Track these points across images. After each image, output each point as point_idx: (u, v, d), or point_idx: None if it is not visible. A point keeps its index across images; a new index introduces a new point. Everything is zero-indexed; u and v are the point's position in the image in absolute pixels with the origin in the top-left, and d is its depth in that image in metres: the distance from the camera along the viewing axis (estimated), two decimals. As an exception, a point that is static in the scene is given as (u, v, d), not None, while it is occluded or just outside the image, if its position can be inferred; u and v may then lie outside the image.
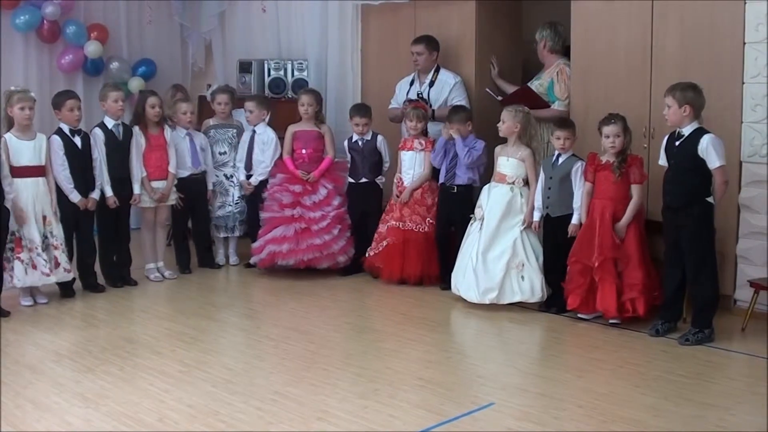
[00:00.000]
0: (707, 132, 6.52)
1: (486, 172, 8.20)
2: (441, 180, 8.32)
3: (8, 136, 7.53)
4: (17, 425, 5.15)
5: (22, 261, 7.54)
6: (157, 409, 5.39)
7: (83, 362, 6.29)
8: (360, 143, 8.81)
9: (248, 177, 9.15)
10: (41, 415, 5.31)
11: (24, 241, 7.54)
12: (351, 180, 8.90)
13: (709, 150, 6.44)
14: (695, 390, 5.71)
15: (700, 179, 6.57)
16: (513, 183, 7.67)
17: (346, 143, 8.93)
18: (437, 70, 9.05)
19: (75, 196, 7.94)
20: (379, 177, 8.90)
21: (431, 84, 9.00)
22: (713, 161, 6.47)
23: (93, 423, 5.18)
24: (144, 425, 5.14)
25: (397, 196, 8.54)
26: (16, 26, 10.29)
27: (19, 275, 7.55)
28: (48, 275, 7.66)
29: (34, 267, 7.58)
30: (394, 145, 8.93)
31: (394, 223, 8.46)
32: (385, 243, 8.50)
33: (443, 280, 8.18)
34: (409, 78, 9.23)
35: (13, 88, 7.79)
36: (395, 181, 8.63)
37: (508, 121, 7.69)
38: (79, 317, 7.56)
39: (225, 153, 9.27)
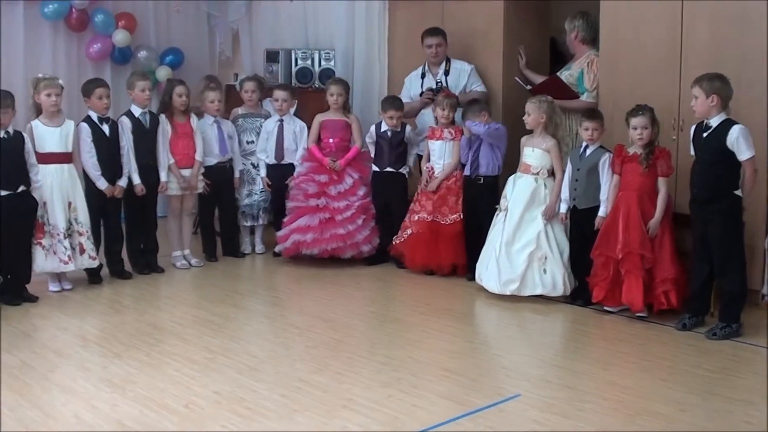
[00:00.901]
0: (735, 123, 6.48)
1: (509, 162, 8.17)
2: (466, 172, 8.31)
3: (35, 123, 7.57)
4: (44, 408, 5.19)
5: (43, 247, 7.58)
6: (183, 395, 5.41)
7: (110, 348, 6.32)
8: (389, 133, 8.80)
9: (278, 166, 9.18)
10: (68, 399, 5.34)
11: (47, 227, 7.57)
12: (375, 168, 8.91)
13: (739, 141, 6.40)
14: (722, 384, 5.68)
15: (727, 171, 6.52)
16: (537, 174, 7.64)
17: (373, 129, 8.91)
18: (448, 61, 9.07)
19: (102, 183, 7.98)
20: (403, 167, 8.89)
21: (446, 73, 9.01)
22: (743, 152, 6.42)
23: (119, 408, 5.21)
24: (170, 411, 5.17)
25: (426, 182, 8.54)
26: (45, 15, 10.35)
27: (39, 261, 7.60)
28: (66, 263, 7.67)
29: (54, 253, 7.61)
30: (419, 135, 8.96)
31: (425, 216, 8.43)
32: (409, 231, 8.50)
33: (470, 270, 8.15)
34: (419, 71, 9.23)
35: (40, 75, 7.82)
36: (425, 168, 8.61)
37: (533, 114, 7.66)
38: (106, 303, 7.60)
39: (253, 142, 9.29)
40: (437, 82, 9.02)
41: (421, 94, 9.08)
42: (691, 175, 6.75)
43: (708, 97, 6.47)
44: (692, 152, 6.78)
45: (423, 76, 9.20)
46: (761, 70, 7.07)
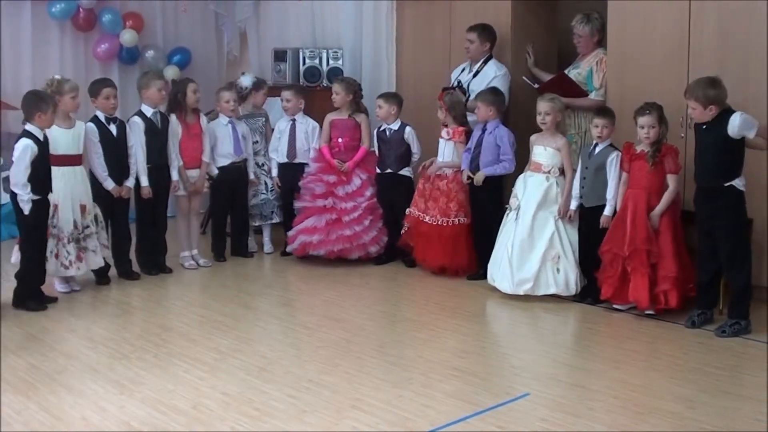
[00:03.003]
0: (733, 111, 6.46)
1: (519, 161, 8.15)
2: (463, 167, 8.25)
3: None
4: (52, 411, 5.20)
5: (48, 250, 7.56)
6: (192, 396, 5.42)
7: (118, 349, 6.33)
8: (387, 133, 8.78)
9: (290, 165, 9.12)
10: (76, 401, 5.36)
11: (53, 230, 7.53)
12: (377, 170, 8.87)
13: (742, 126, 6.39)
14: (731, 382, 5.68)
15: (729, 159, 6.51)
16: (548, 172, 7.62)
17: (375, 132, 8.89)
18: (486, 61, 8.92)
19: (109, 184, 7.97)
20: (406, 168, 8.82)
21: (476, 74, 8.90)
22: (750, 130, 6.42)
23: (127, 409, 5.22)
24: (178, 412, 5.17)
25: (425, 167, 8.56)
26: (52, 15, 10.35)
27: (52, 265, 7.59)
28: (67, 267, 7.61)
29: (57, 257, 7.57)
30: (429, 134, 8.90)
31: (417, 213, 8.39)
32: (406, 227, 8.50)
33: (475, 270, 8.15)
34: (462, 66, 9.14)
35: (58, 77, 7.80)
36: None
37: (552, 113, 7.57)
38: (114, 304, 7.60)
39: (257, 142, 9.29)
40: (458, 82, 8.96)
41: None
42: (694, 163, 6.75)
43: (706, 108, 6.45)
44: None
45: (463, 70, 9.10)
46: (769, 67, 7.06)
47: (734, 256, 6.57)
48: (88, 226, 7.73)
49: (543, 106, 7.64)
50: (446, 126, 8.44)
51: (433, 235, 8.27)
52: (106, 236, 7.98)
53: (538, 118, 7.65)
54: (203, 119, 8.73)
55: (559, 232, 7.51)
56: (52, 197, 7.39)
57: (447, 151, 8.40)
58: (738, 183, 6.53)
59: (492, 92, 8.26)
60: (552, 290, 7.48)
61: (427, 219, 8.28)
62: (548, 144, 7.64)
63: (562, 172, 7.62)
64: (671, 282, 6.88)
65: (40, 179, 7.18)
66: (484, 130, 8.13)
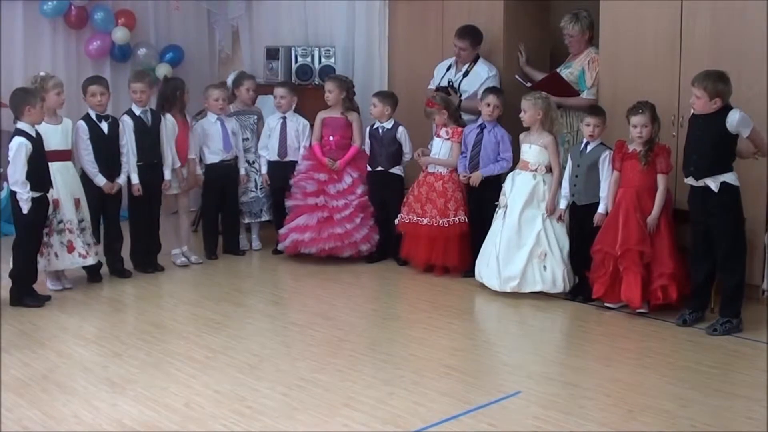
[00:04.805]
0: (732, 107, 6.47)
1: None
2: (461, 170, 8.25)
3: None
4: (43, 408, 5.19)
5: (52, 246, 7.55)
6: (184, 394, 5.42)
7: (110, 347, 6.32)
8: (380, 131, 8.77)
9: (281, 163, 9.10)
10: (68, 399, 5.34)
11: (60, 225, 7.53)
12: (368, 168, 8.85)
13: (741, 122, 6.40)
14: (723, 380, 5.69)
15: (722, 151, 6.52)
16: (536, 170, 7.63)
17: (367, 130, 8.88)
18: (475, 60, 8.93)
19: (100, 180, 7.96)
20: (397, 167, 8.81)
21: (465, 74, 8.92)
22: (746, 129, 6.45)
23: (119, 407, 5.21)
24: (170, 410, 5.17)
25: (419, 155, 8.53)
26: (44, 12, 10.32)
27: (52, 259, 7.57)
28: (85, 257, 7.68)
29: (71, 250, 7.60)
30: (420, 134, 8.91)
31: (415, 218, 8.35)
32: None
33: (470, 268, 8.13)
34: (447, 63, 9.14)
35: (43, 73, 7.81)
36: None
37: (529, 111, 7.64)
38: (106, 302, 7.59)
39: (248, 139, 9.27)
40: (449, 82, 8.98)
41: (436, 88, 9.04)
42: (684, 155, 6.75)
43: (711, 100, 6.45)
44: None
45: (449, 68, 9.10)
46: (761, 67, 7.05)
47: (730, 253, 6.57)
48: (82, 220, 7.75)
49: (522, 103, 7.71)
50: (445, 126, 8.40)
51: (433, 237, 8.25)
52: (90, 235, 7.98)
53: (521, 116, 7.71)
54: (188, 117, 8.77)
55: (546, 229, 7.52)
56: (51, 193, 7.38)
57: (443, 150, 8.37)
58: (732, 179, 6.53)
59: (491, 90, 8.26)
60: (539, 287, 7.49)
61: (425, 221, 8.27)
62: (534, 141, 7.65)
63: (549, 169, 7.63)
64: (669, 278, 6.90)
65: (39, 176, 7.18)
66: (482, 130, 8.12)
